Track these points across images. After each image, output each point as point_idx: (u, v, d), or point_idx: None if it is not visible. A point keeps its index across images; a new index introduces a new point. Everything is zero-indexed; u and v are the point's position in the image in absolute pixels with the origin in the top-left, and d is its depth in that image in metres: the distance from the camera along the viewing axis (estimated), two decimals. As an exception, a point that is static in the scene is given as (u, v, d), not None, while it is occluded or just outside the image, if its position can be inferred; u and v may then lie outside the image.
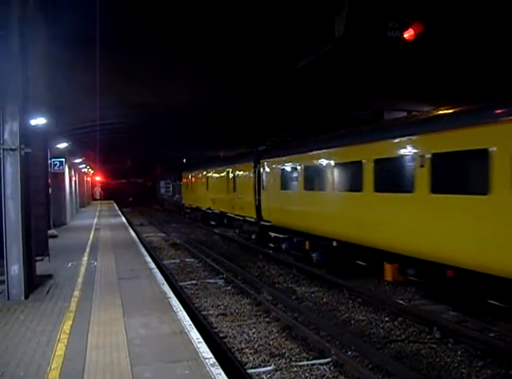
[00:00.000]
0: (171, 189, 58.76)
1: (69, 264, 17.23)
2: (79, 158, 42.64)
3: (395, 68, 16.04)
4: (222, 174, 31.77)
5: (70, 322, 10.15)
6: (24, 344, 8.81)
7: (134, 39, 13.66)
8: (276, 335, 11.72)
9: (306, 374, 9.35)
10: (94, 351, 8.33)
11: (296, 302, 14.60)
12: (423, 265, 12.42)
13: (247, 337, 11.61)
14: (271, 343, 11.17)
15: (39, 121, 17.18)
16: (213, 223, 36.15)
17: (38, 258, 15.14)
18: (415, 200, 12.48)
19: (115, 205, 63.92)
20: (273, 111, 25.91)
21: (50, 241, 20.74)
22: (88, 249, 21.17)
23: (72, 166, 41.58)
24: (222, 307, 14.37)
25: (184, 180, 46.19)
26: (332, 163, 16.80)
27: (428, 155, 11.95)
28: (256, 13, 12.42)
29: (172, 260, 22.84)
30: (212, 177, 35.01)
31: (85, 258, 18.68)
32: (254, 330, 12.10)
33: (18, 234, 11.94)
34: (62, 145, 28.91)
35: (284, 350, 10.65)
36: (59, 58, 14.20)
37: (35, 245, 13.95)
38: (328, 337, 11.32)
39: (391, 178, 13.76)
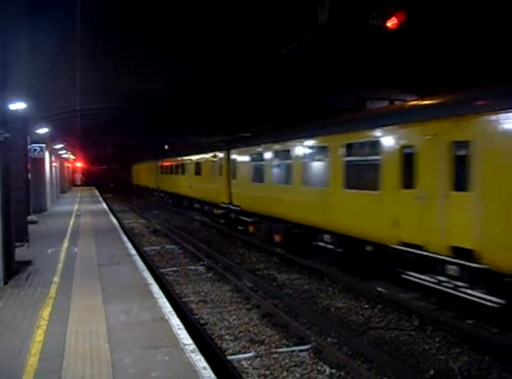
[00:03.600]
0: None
1: (49, 251, 17.13)
2: (60, 143, 42.22)
3: (378, 56, 16.02)
4: (147, 165, 60.35)
5: (50, 309, 10.12)
6: (2, 330, 8.77)
7: (114, 27, 13.47)
8: (257, 322, 11.78)
9: (286, 361, 9.41)
10: (74, 337, 8.32)
11: (277, 289, 14.66)
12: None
13: (227, 324, 11.65)
14: (251, 329, 11.23)
15: (18, 105, 16.98)
16: (146, 193, 62.42)
17: (17, 244, 15.04)
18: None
19: (96, 191, 63.50)
20: (256, 98, 25.83)
21: (30, 227, 20.59)
22: (68, 236, 21.05)
23: (52, 152, 41.17)
24: (203, 294, 14.39)
25: (134, 168, 75.67)
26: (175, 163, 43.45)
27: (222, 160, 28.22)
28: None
29: (153, 247, 22.81)
30: (142, 167, 65.27)
31: (66, 244, 18.57)
32: (234, 317, 12.15)
33: (-4, 220, 11.84)
34: (43, 131, 28.60)
35: (264, 337, 10.71)
36: (40, 43, 13.98)
37: (15, 232, 13.84)
38: (308, 324, 11.42)
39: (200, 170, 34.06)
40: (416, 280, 12.19)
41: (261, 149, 21.80)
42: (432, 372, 8.90)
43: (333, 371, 8.94)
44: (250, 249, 21.22)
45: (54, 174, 42.53)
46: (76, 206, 38.65)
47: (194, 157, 34.72)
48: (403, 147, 12.44)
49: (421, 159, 11.76)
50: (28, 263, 14.85)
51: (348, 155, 14.86)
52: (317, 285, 15.18)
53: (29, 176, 25.45)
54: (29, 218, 22.64)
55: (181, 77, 19.81)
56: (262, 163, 21.48)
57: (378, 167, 13.34)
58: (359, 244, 14.53)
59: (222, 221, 27.77)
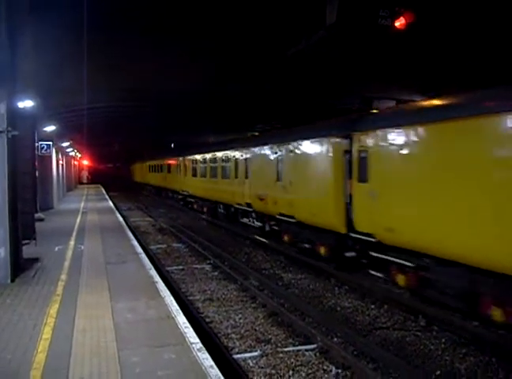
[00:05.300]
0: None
1: (56, 248, 17.19)
2: (66, 141, 42.32)
3: (386, 56, 16.01)
4: (140, 165, 71.99)
5: (57, 306, 10.16)
6: (10, 327, 8.81)
7: (126, 24, 13.48)
8: (263, 321, 11.80)
9: (292, 360, 9.43)
10: (81, 335, 8.35)
11: (283, 289, 14.68)
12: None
13: (234, 323, 11.67)
14: (257, 328, 11.25)
15: (26, 103, 17.06)
16: (139, 188, 71.88)
17: (25, 242, 15.09)
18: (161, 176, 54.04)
19: (103, 189, 63.60)
20: (263, 98, 25.82)
21: (37, 224, 20.65)
22: (75, 233, 21.12)
23: (59, 150, 41.26)
24: (209, 292, 14.42)
25: (132, 167, 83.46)
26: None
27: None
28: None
29: (159, 245, 22.86)
30: (137, 166, 75.62)
31: (72, 242, 18.63)
32: (240, 316, 12.17)
33: (4, 217, 11.89)
34: (50, 128, 28.70)
35: (270, 336, 10.73)
36: (47, 42, 14.01)
37: (22, 229, 13.90)
38: (314, 323, 11.42)
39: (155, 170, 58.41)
40: (243, 221, 25.32)
41: (192, 157, 37.14)
42: (438, 372, 8.90)
43: (339, 371, 8.96)
44: (257, 249, 21.24)
45: (60, 172, 42.65)
46: (82, 204, 38.75)
47: (166, 160, 49.48)
48: (236, 158, 25.65)
49: (238, 164, 25.34)
50: (36, 260, 14.90)
51: (224, 161, 28.42)
52: (323, 285, 15.18)
53: (36, 174, 25.55)
54: (36, 215, 22.72)
55: (188, 76, 19.83)
56: (196, 165, 36.01)
57: (230, 168, 26.87)
58: (229, 207, 27.50)
59: (181, 203, 43.09)
